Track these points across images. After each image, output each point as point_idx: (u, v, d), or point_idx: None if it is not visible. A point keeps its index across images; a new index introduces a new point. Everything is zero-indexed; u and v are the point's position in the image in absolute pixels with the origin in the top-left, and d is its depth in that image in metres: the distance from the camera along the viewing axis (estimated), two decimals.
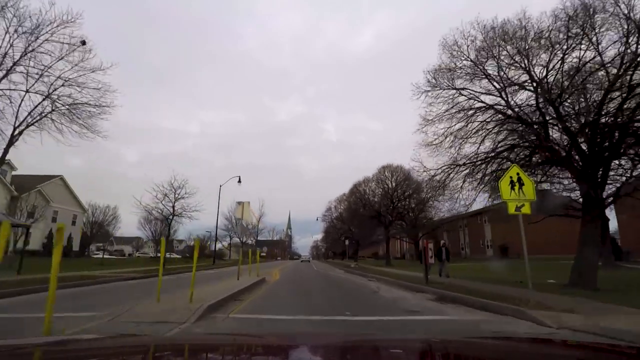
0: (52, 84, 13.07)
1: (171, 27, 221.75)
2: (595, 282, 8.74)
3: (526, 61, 10.15)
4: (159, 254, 61.70)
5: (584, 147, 9.73)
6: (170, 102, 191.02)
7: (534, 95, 10.17)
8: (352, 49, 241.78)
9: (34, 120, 13.20)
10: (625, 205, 15.58)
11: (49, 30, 12.53)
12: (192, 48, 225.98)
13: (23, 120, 12.98)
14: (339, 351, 1.49)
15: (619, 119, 8.79)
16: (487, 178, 11.09)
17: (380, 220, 37.25)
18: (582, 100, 9.98)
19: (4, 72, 12.25)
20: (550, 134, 10.23)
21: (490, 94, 10.99)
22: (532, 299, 6.49)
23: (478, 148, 11.29)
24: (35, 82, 12.95)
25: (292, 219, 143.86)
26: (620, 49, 8.96)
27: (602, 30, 9.15)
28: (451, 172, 11.59)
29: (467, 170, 11.38)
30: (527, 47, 10.09)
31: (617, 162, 10.32)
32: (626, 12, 8.71)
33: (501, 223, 26.35)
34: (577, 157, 9.79)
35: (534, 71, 10.14)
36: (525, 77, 10.39)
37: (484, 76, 10.88)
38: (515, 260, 24.66)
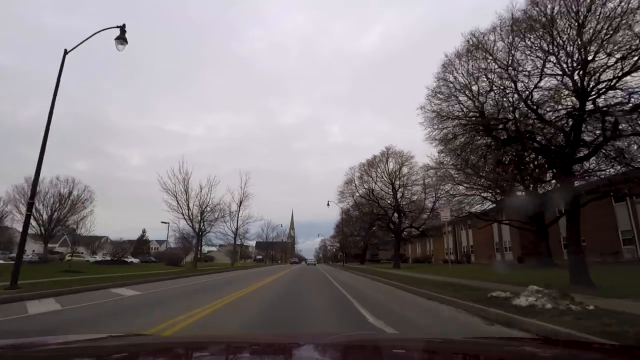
0: None
1: (174, 29, 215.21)
2: None
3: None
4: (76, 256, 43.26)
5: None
6: (174, 104, 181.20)
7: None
8: (359, 50, 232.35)
9: None
10: None
11: None
12: (196, 50, 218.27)
13: None
14: (340, 351, 1.45)
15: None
16: None
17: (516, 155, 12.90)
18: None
19: None
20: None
21: None
22: None
23: None
24: None
25: (296, 223, 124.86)
26: None
27: None
28: None
29: None
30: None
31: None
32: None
33: None
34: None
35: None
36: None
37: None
38: None
